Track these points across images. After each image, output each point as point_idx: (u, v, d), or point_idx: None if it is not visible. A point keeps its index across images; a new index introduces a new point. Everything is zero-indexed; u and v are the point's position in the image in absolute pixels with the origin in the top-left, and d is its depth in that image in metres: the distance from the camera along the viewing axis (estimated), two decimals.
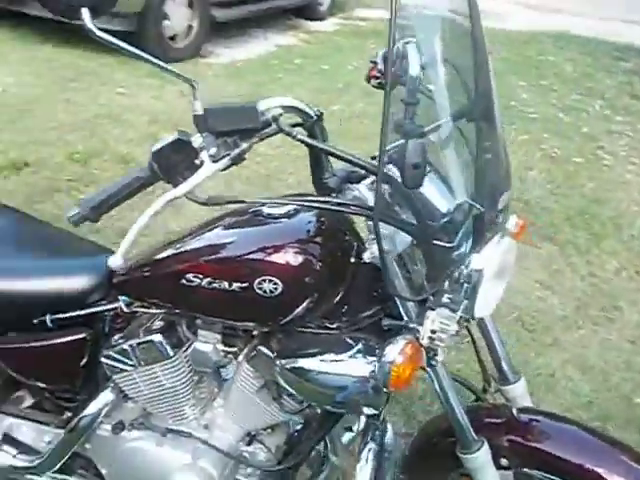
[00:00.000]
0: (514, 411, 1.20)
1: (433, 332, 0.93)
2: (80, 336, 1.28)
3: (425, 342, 0.94)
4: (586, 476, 1.10)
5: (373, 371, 0.97)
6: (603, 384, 2.18)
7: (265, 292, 1.03)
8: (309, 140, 0.89)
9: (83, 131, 3.66)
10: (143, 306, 1.23)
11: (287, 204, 0.93)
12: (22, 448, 1.39)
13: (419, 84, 1.04)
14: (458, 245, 0.97)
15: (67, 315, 1.27)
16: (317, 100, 4.62)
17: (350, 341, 1.07)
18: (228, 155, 0.86)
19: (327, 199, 0.93)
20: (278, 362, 1.12)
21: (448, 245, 0.96)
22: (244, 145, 0.87)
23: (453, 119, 1.04)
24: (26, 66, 4.56)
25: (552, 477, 1.15)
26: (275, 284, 1.03)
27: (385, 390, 0.98)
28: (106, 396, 1.29)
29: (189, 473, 1.23)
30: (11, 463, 1.37)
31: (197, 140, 0.88)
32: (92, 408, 1.29)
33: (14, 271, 1.28)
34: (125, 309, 1.24)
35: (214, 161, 0.87)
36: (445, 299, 0.93)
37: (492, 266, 0.97)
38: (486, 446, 1.10)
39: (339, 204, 0.92)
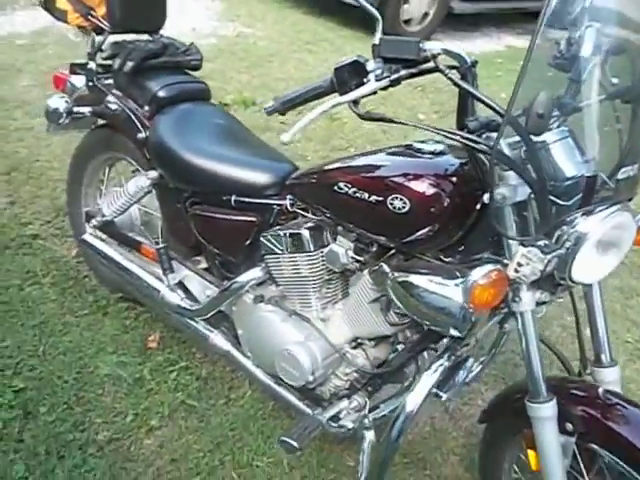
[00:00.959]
0: (600, 390, 1.24)
1: (519, 265, 1.05)
2: (252, 219, 1.61)
3: (510, 273, 1.06)
4: None
5: (461, 290, 1.12)
6: None
7: (395, 208, 1.23)
8: (458, 80, 1.05)
9: None
10: (303, 208, 1.51)
11: (423, 128, 1.11)
12: (188, 295, 1.79)
13: (588, 65, 1.14)
14: (571, 206, 1.06)
15: (247, 200, 1.60)
16: None
17: (456, 271, 1.22)
18: (388, 77, 1.08)
19: (457, 132, 1.09)
20: (392, 275, 1.31)
21: (562, 203, 1.06)
22: (403, 72, 1.07)
23: (607, 97, 1.12)
24: (276, 24, 5.23)
25: (618, 461, 1.18)
26: (404, 203, 1.22)
27: (467, 307, 1.11)
28: (256, 272, 1.61)
29: (299, 348, 1.49)
30: (178, 303, 1.77)
31: (370, 64, 1.10)
32: (244, 277, 1.61)
33: (220, 157, 1.64)
34: (289, 207, 1.54)
35: (377, 80, 1.08)
36: (540, 243, 1.04)
37: (597, 234, 1.05)
38: (553, 403, 1.18)
39: (465, 137, 1.08)
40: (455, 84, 1.06)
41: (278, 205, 1.57)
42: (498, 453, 1.47)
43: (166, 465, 1.64)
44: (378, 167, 1.31)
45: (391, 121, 1.12)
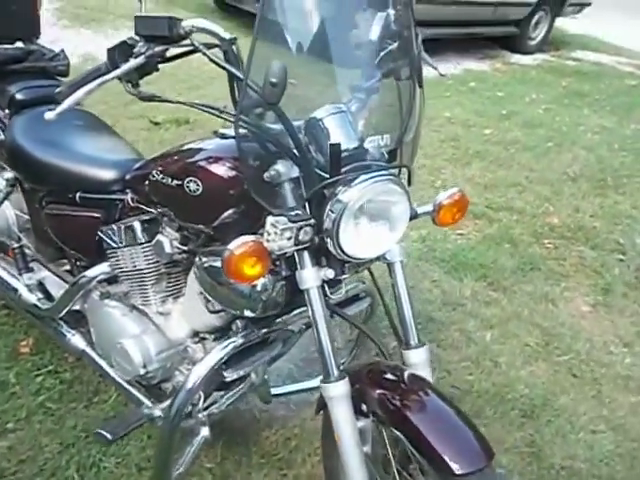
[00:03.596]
0: (406, 374, 1.22)
1: (268, 234, 1.04)
2: (97, 215, 1.61)
3: (265, 244, 1.05)
4: (433, 458, 1.09)
5: None
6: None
7: (190, 190, 1.24)
8: (213, 57, 1.07)
9: None
10: (141, 202, 1.52)
11: (187, 105, 1.13)
12: (48, 296, 1.78)
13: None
14: (323, 176, 1.06)
15: (90, 196, 1.61)
16: (472, 121, 4.61)
17: None
18: (143, 54, 1.09)
19: (211, 105, 1.12)
20: (198, 261, 1.31)
21: (327, 177, 1.06)
22: (157, 49, 1.08)
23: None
24: None
25: (409, 445, 1.14)
26: (198, 185, 1.23)
27: (230, 279, 1.10)
28: (103, 267, 1.60)
29: (132, 341, 1.48)
30: (34, 303, 1.76)
31: (135, 42, 1.12)
32: (90, 272, 1.61)
33: (68, 155, 1.65)
34: (130, 202, 1.54)
35: (135, 57, 1.10)
36: (291, 213, 1.04)
37: (356, 202, 1.05)
38: (344, 382, 1.14)
39: (213, 107, 1.10)
40: (211, 60, 1.08)
41: (120, 200, 1.57)
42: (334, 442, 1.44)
43: (12, 467, 1.60)
44: (182, 152, 1.33)
45: (161, 100, 1.14)
